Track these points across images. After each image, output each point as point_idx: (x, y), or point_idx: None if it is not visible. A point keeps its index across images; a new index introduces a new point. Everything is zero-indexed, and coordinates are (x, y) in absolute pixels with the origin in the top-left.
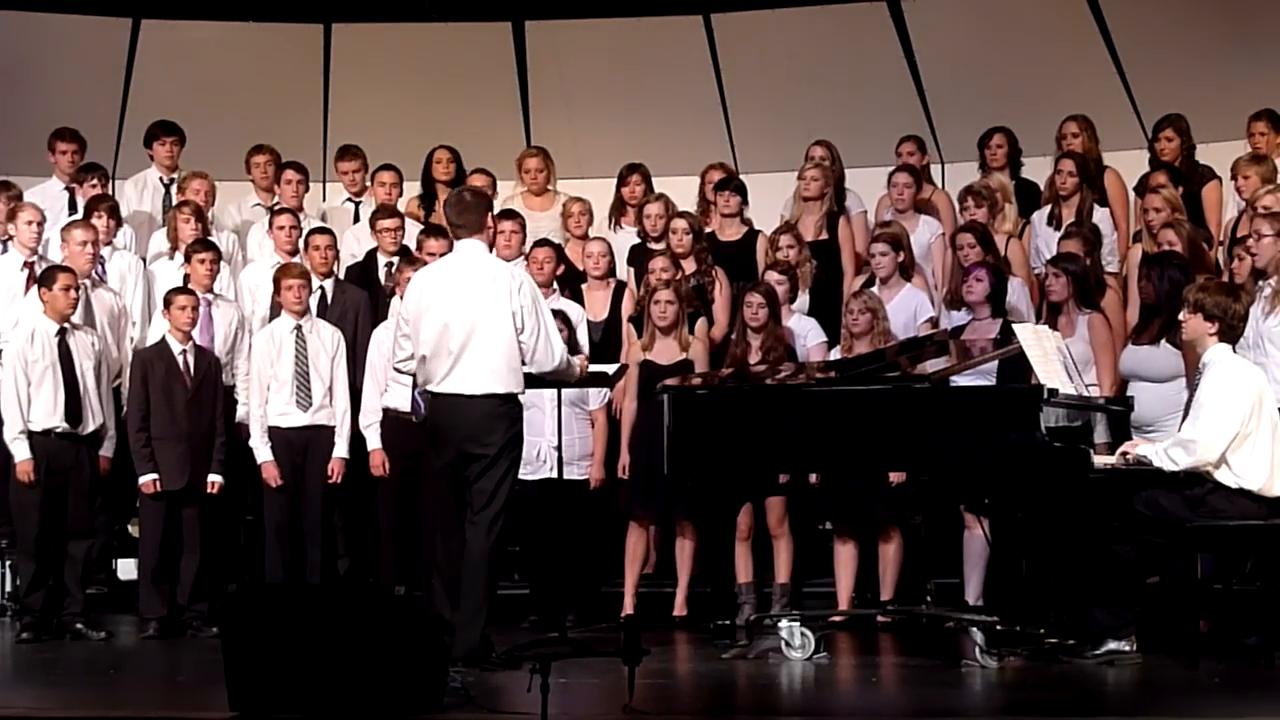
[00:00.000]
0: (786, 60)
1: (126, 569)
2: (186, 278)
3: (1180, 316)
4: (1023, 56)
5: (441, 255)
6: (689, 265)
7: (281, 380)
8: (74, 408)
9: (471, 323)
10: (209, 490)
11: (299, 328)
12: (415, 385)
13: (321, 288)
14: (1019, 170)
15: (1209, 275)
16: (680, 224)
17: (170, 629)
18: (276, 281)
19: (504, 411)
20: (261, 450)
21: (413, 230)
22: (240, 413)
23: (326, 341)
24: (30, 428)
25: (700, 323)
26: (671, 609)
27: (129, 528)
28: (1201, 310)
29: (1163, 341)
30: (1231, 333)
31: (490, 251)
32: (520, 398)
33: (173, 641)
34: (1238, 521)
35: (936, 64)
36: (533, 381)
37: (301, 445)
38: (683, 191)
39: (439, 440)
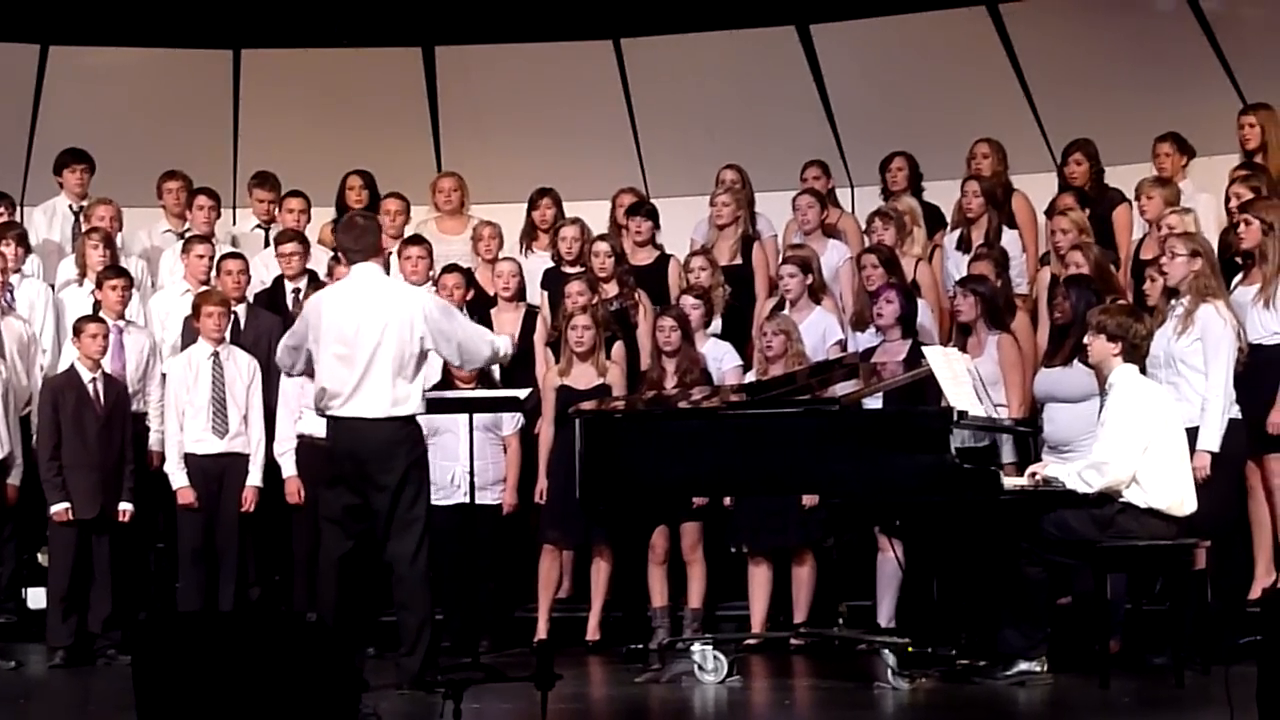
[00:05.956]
0: (696, 85)
1: (36, 598)
2: (97, 305)
3: (1085, 339)
4: (932, 81)
5: None
6: (610, 289)
7: (197, 407)
8: None
9: (372, 347)
10: (120, 519)
11: (216, 354)
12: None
13: (234, 314)
14: (920, 193)
15: (1114, 296)
16: (602, 247)
17: (79, 658)
18: (196, 308)
19: (405, 435)
20: (177, 476)
21: (324, 256)
22: (153, 439)
23: (243, 369)
24: None
25: (618, 347)
26: (585, 633)
27: (38, 556)
28: (1104, 332)
29: (1075, 362)
30: (1135, 352)
31: (388, 273)
32: (421, 419)
33: (83, 670)
34: (1147, 542)
35: (846, 88)
36: (444, 406)
37: (217, 473)
38: (594, 216)
39: (339, 463)
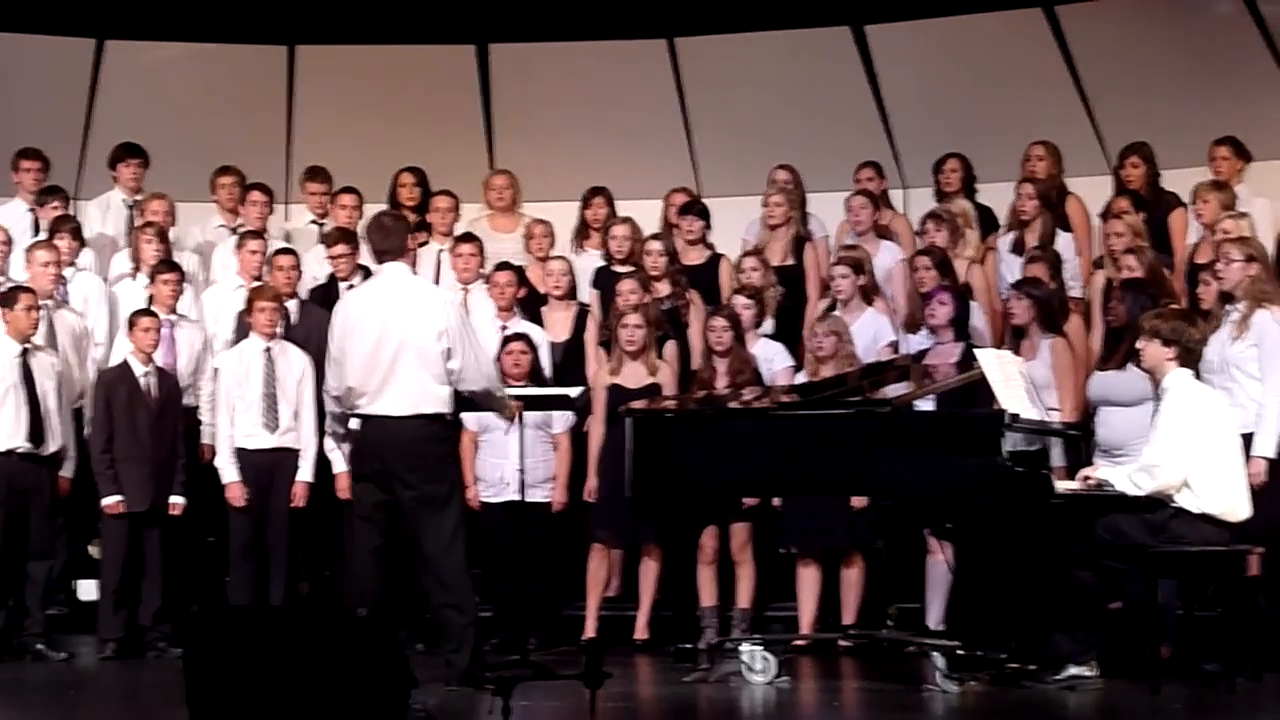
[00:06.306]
0: (750, 84)
1: (87, 590)
2: (150, 299)
3: (1138, 344)
4: (986, 82)
5: None
6: (662, 288)
7: (249, 402)
8: (36, 428)
9: (398, 344)
10: (171, 512)
11: (268, 350)
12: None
13: (286, 309)
14: (973, 195)
15: (1168, 300)
16: (655, 246)
17: (129, 650)
18: (249, 303)
19: (431, 432)
20: (228, 471)
21: None
22: (205, 434)
23: (294, 364)
24: None
25: (669, 346)
26: (633, 632)
27: (89, 548)
28: (1158, 336)
29: (1130, 365)
30: (1190, 356)
31: (414, 273)
32: (472, 417)
33: (133, 662)
34: (1199, 547)
35: (900, 89)
36: (468, 405)
37: (268, 467)
38: (646, 215)
39: (366, 460)
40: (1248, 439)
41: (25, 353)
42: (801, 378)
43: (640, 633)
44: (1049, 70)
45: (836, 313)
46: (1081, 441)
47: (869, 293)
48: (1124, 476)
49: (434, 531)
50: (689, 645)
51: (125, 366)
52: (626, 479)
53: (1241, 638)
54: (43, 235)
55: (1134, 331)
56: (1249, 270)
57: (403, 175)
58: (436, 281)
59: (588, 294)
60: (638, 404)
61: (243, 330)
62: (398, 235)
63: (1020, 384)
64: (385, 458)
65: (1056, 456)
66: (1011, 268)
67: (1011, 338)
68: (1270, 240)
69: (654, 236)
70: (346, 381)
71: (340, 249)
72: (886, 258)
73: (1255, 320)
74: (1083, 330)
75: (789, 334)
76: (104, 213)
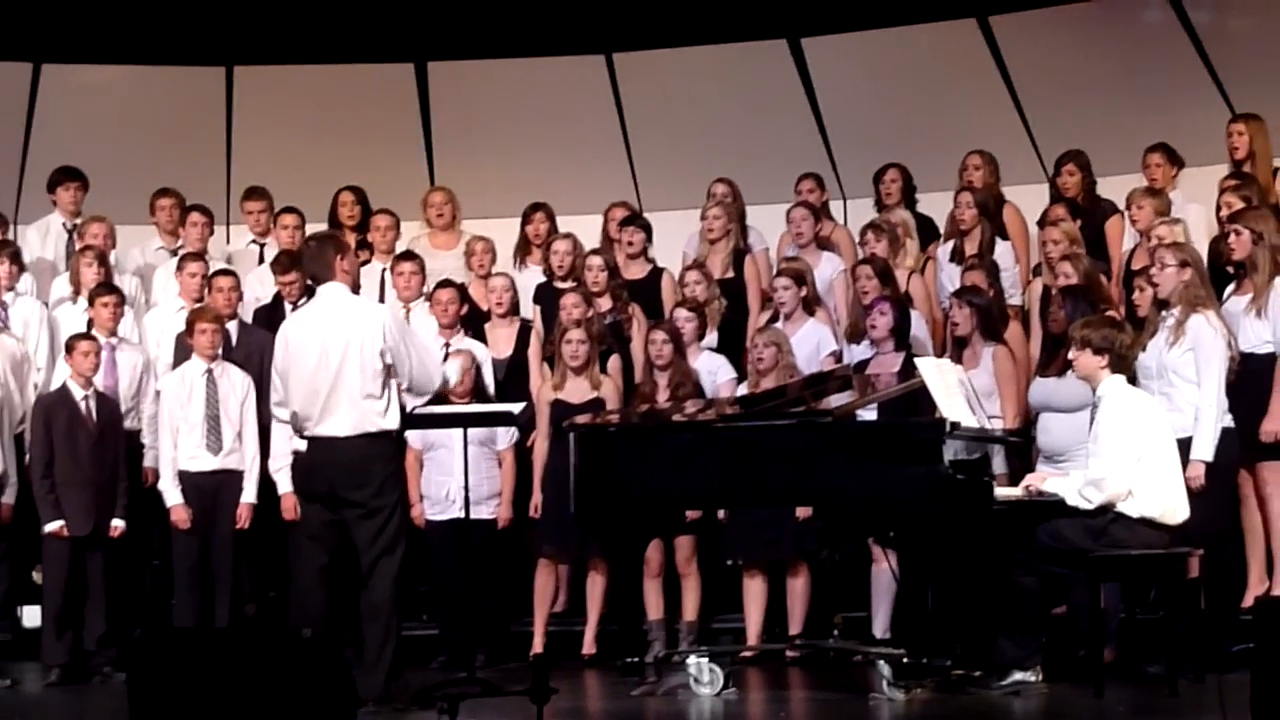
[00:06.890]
0: (688, 98)
1: (31, 616)
2: (90, 322)
3: (1069, 355)
4: (923, 93)
5: None
6: (604, 303)
7: (192, 424)
8: None
9: (338, 365)
10: (112, 535)
11: (210, 371)
12: None
13: (227, 330)
14: (914, 205)
15: (1105, 307)
16: (595, 261)
17: (74, 676)
18: (189, 324)
19: (376, 452)
20: (171, 494)
21: None
22: (148, 457)
23: (236, 385)
24: None
25: (613, 360)
26: (581, 647)
27: (33, 574)
28: (1089, 345)
29: (1069, 372)
30: (1122, 363)
31: (354, 292)
32: (416, 434)
33: (78, 688)
34: (1140, 551)
35: (837, 101)
36: (439, 422)
37: (212, 489)
38: (587, 230)
39: (314, 483)
40: (1186, 443)
41: None
42: (744, 390)
43: (588, 647)
44: (984, 80)
45: (778, 324)
46: (1023, 448)
47: (811, 304)
48: (1074, 491)
49: (373, 548)
50: (636, 659)
51: (64, 390)
52: (571, 494)
53: (1183, 639)
54: None
55: None
56: (1183, 276)
57: (343, 194)
58: (380, 300)
59: (530, 310)
60: (581, 419)
61: (183, 352)
62: (324, 257)
63: (960, 392)
64: (332, 478)
65: (998, 464)
66: (951, 276)
67: (954, 347)
68: (1204, 245)
69: (594, 251)
70: (291, 406)
71: (292, 275)
72: (828, 269)
73: (1190, 325)
74: (1023, 337)
75: (732, 347)
76: (43, 237)
